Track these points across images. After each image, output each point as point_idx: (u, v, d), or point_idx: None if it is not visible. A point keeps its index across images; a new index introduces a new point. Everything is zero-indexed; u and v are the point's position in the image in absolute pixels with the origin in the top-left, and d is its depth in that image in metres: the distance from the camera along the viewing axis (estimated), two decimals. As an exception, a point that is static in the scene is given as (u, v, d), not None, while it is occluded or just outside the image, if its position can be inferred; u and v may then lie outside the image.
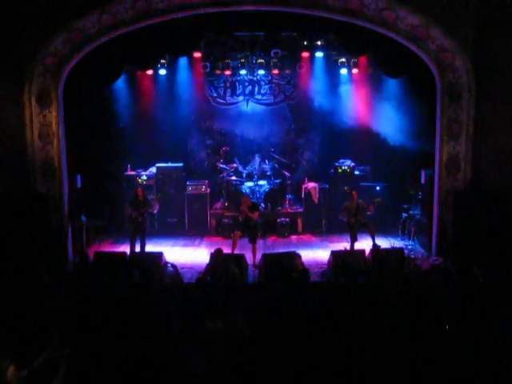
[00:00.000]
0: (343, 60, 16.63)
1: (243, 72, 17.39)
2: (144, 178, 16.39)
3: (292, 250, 13.13)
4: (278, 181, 16.95)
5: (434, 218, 13.84)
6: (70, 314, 7.60)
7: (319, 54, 16.45)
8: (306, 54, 16.62)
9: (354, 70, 17.03)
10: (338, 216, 14.51)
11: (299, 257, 11.24)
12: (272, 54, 16.22)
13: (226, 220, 16.02)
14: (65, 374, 6.15)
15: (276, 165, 17.14)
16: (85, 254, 11.78)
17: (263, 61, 16.74)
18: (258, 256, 13.32)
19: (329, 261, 12.96)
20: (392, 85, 16.14)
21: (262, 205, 16.05)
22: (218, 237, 16.07)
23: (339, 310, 7.62)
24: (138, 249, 13.81)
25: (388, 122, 16.06)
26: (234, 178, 16.87)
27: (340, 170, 16.61)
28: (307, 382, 6.41)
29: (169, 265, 10.18)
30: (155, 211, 15.07)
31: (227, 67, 17.02)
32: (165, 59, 16.24)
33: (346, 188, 16.25)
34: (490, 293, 8.35)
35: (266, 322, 7.27)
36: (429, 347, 6.61)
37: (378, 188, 16.50)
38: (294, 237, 16.19)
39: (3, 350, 6.26)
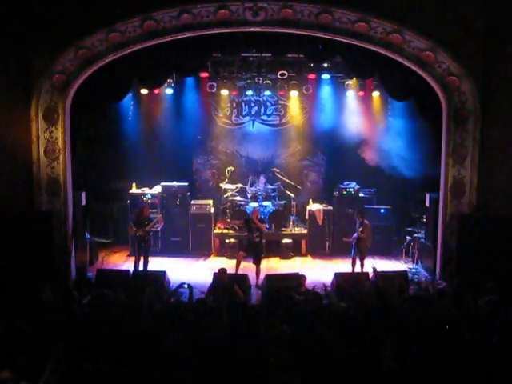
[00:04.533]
0: (349, 82, 16.72)
1: (249, 93, 17.49)
2: (149, 196, 16.35)
3: (296, 271, 13.07)
4: (282, 202, 16.95)
5: (438, 242, 13.79)
6: (71, 331, 7.54)
7: (326, 76, 16.55)
8: (312, 76, 16.72)
9: (360, 93, 17.12)
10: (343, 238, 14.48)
11: (303, 278, 11.18)
12: (278, 76, 16.26)
13: (230, 240, 15.98)
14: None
15: (281, 186, 17.12)
16: (82, 272, 11.72)
17: (270, 82, 16.81)
18: (262, 277, 13.29)
19: (332, 282, 12.89)
20: (398, 107, 16.21)
21: (267, 225, 16.03)
22: (221, 257, 16.01)
23: (345, 332, 7.54)
24: (141, 267, 13.77)
25: (393, 145, 16.04)
26: (238, 198, 16.86)
27: (345, 192, 16.54)
28: None
29: (185, 285, 9.97)
30: (159, 229, 15.04)
31: (234, 87, 17.12)
32: (172, 78, 16.35)
33: (350, 210, 16.23)
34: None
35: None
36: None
37: (382, 211, 16.45)
38: (297, 258, 16.13)
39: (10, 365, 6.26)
